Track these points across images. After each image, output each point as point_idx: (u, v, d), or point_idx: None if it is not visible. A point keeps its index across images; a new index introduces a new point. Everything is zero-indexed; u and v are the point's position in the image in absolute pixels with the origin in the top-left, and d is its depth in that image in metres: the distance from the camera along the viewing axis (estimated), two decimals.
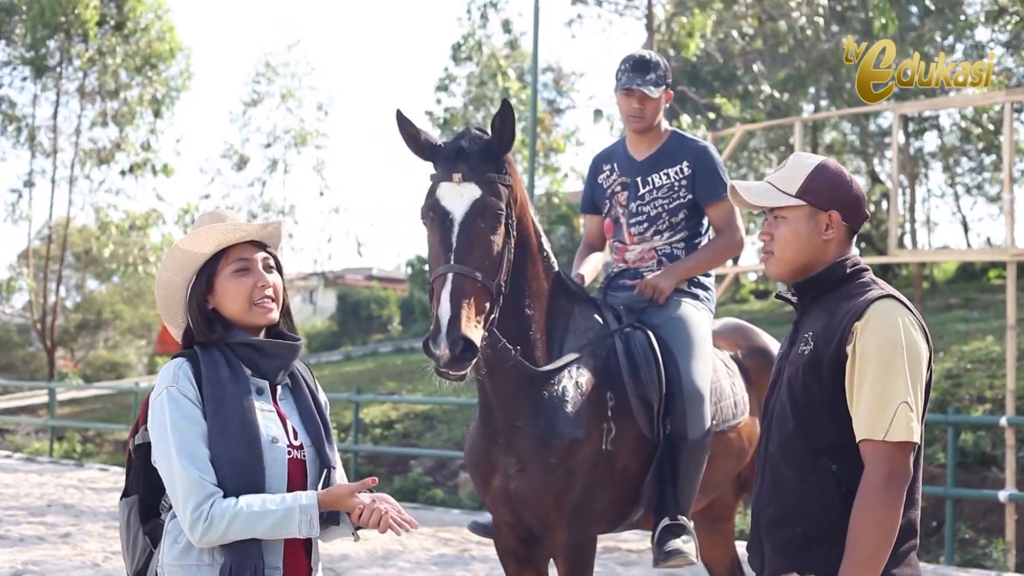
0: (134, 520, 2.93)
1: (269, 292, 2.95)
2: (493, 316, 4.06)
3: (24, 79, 25.70)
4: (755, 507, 3.05)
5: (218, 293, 2.95)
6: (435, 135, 4.31)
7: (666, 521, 4.52)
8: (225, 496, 2.71)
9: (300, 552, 2.90)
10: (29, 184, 25.95)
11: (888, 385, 2.76)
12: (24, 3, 24.71)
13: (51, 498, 12.84)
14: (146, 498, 2.93)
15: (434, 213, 4.06)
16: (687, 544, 4.50)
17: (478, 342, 3.87)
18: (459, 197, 4.04)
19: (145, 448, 2.89)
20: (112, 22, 25.14)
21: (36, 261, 27.40)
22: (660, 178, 4.97)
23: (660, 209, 4.96)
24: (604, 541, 9.64)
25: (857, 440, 2.79)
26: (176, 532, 2.78)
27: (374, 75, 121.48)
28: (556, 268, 4.55)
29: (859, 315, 2.83)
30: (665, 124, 5.11)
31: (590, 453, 4.39)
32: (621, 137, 5.24)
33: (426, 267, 28.57)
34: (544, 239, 4.52)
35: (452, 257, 3.95)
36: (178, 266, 2.97)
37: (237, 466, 2.74)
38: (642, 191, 4.99)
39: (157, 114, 26.16)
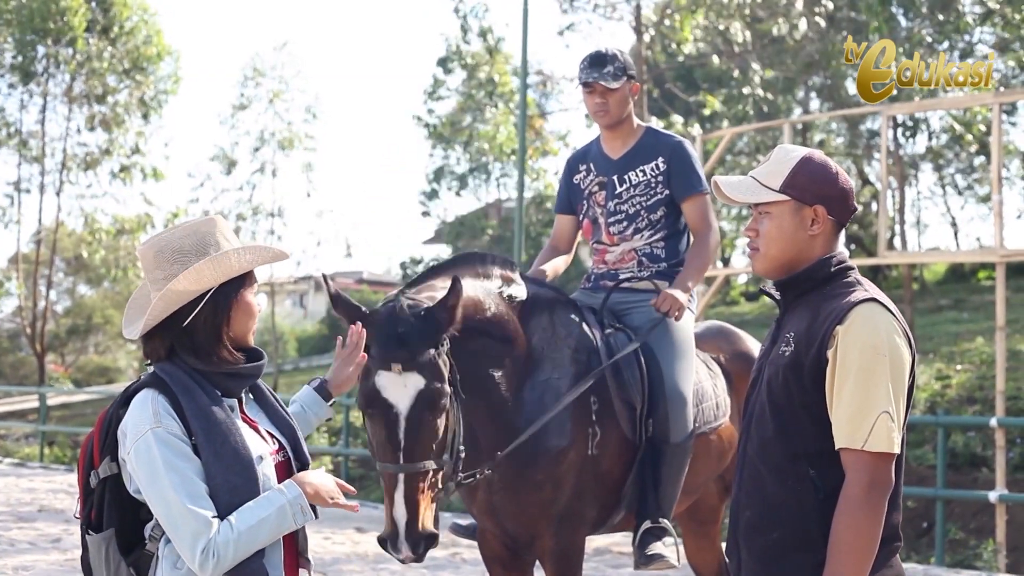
0: (114, 554, 2.81)
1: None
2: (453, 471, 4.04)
3: (11, 85, 25.60)
4: (733, 509, 2.99)
5: (240, 309, 2.87)
6: (369, 303, 4.18)
7: (647, 524, 4.51)
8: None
9: (292, 563, 2.89)
10: (21, 190, 25.86)
11: (869, 393, 2.68)
12: (10, 9, 24.61)
13: (41, 503, 12.82)
14: (123, 530, 2.82)
15: (375, 407, 3.87)
16: (668, 548, 4.49)
17: (438, 528, 3.85)
18: (402, 388, 3.83)
19: (113, 480, 2.80)
20: (99, 27, 25.07)
21: (26, 266, 27.30)
22: (637, 175, 4.92)
23: (638, 207, 4.90)
24: (594, 543, 9.62)
25: (836, 448, 2.73)
26: (175, 557, 2.72)
27: (361, 77, 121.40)
28: (521, 296, 4.48)
29: (841, 319, 2.74)
30: (638, 120, 5.06)
31: (576, 460, 4.38)
32: (596, 137, 5.17)
33: (419, 269, 28.63)
34: (494, 300, 4.37)
35: (401, 456, 3.82)
36: (212, 276, 2.80)
37: (236, 493, 2.70)
38: (619, 189, 4.93)
39: (146, 117, 26.08)
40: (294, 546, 2.91)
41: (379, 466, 3.91)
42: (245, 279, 2.88)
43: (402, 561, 3.81)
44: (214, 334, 2.82)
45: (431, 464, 3.86)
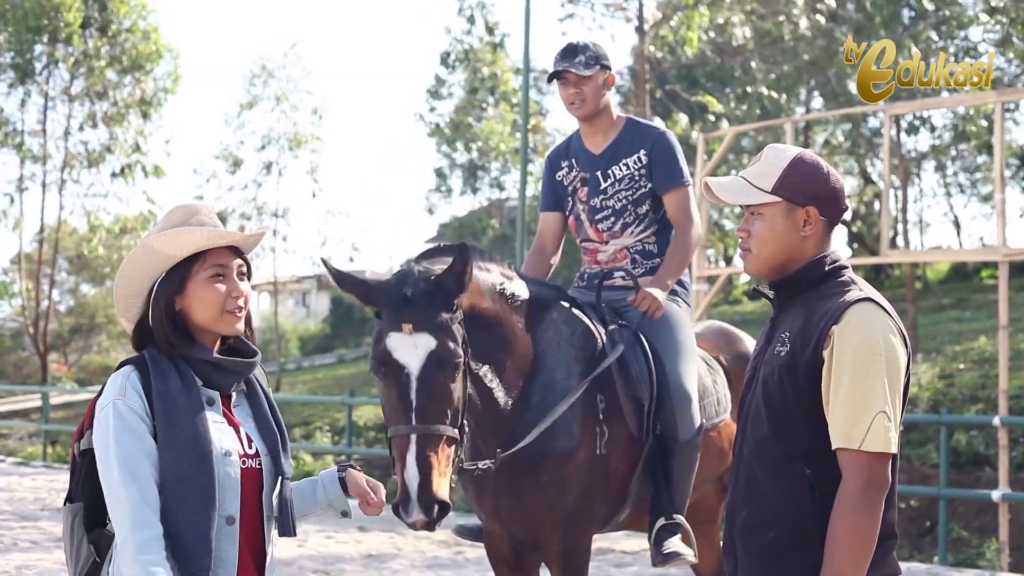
0: (78, 527, 2.80)
1: (240, 302, 2.84)
2: (461, 454, 3.97)
3: (11, 85, 25.57)
4: (729, 509, 2.98)
5: (189, 296, 2.80)
6: (378, 273, 4.04)
7: (662, 521, 4.48)
8: (168, 519, 2.63)
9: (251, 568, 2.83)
10: (21, 190, 25.87)
11: (865, 393, 2.68)
12: (6, 8, 24.58)
13: (45, 502, 12.83)
14: (90, 505, 2.81)
15: (387, 368, 3.81)
16: (684, 544, 4.48)
17: (449, 497, 3.74)
18: (413, 349, 3.78)
19: (90, 454, 2.79)
20: (96, 24, 25.05)
21: (28, 265, 27.31)
22: (620, 169, 4.86)
23: (624, 201, 4.85)
24: (598, 543, 9.62)
25: (833, 448, 2.72)
26: None
27: (366, 76, 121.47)
28: (521, 295, 4.41)
29: (836, 319, 2.73)
30: (619, 112, 5.00)
31: (584, 460, 4.35)
32: (575, 132, 5.09)
33: None
34: (507, 284, 4.35)
35: (414, 417, 3.76)
36: (149, 264, 2.81)
37: (187, 483, 2.66)
38: (604, 185, 4.87)
39: (146, 115, 26.06)
40: (253, 557, 2.83)
41: (391, 431, 3.82)
42: (191, 264, 2.81)
43: (414, 527, 3.68)
44: (167, 320, 2.79)
45: (445, 429, 3.78)
